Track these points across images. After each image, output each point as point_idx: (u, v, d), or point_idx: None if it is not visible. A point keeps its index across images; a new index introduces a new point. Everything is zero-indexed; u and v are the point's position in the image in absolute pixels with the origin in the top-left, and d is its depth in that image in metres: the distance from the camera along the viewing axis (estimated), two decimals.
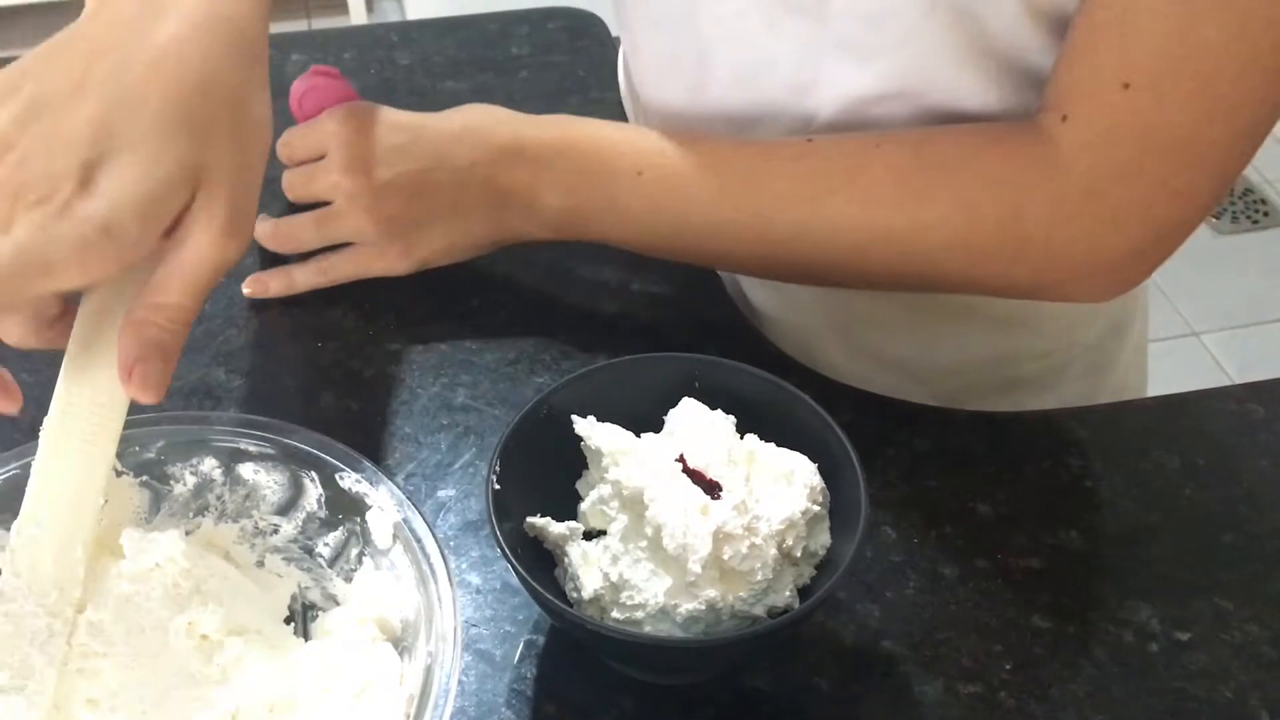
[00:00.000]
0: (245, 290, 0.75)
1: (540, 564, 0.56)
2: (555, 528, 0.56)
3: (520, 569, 0.51)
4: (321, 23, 2.65)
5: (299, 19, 2.70)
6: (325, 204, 0.73)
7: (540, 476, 0.57)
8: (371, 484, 0.55)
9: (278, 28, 1.08)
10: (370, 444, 0.68)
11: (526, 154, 0.70)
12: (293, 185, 0.75)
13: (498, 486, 0.54)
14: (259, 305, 0.76)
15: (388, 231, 0.72)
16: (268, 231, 0.75)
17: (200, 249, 0.51)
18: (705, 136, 0.69)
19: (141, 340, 0.51)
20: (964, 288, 0.66)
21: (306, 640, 0.56)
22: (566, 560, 0.55)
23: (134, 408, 0.69)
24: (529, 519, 0.56)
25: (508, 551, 0.52)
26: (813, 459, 0.56)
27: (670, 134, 0.69)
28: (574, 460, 0.58)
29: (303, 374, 0.72)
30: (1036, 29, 0.64)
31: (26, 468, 0.54)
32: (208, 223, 0.51)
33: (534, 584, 0.51)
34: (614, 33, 0.98)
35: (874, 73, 0.67)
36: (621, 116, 0.90)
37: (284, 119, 0.82)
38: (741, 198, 0.66)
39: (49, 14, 2.73)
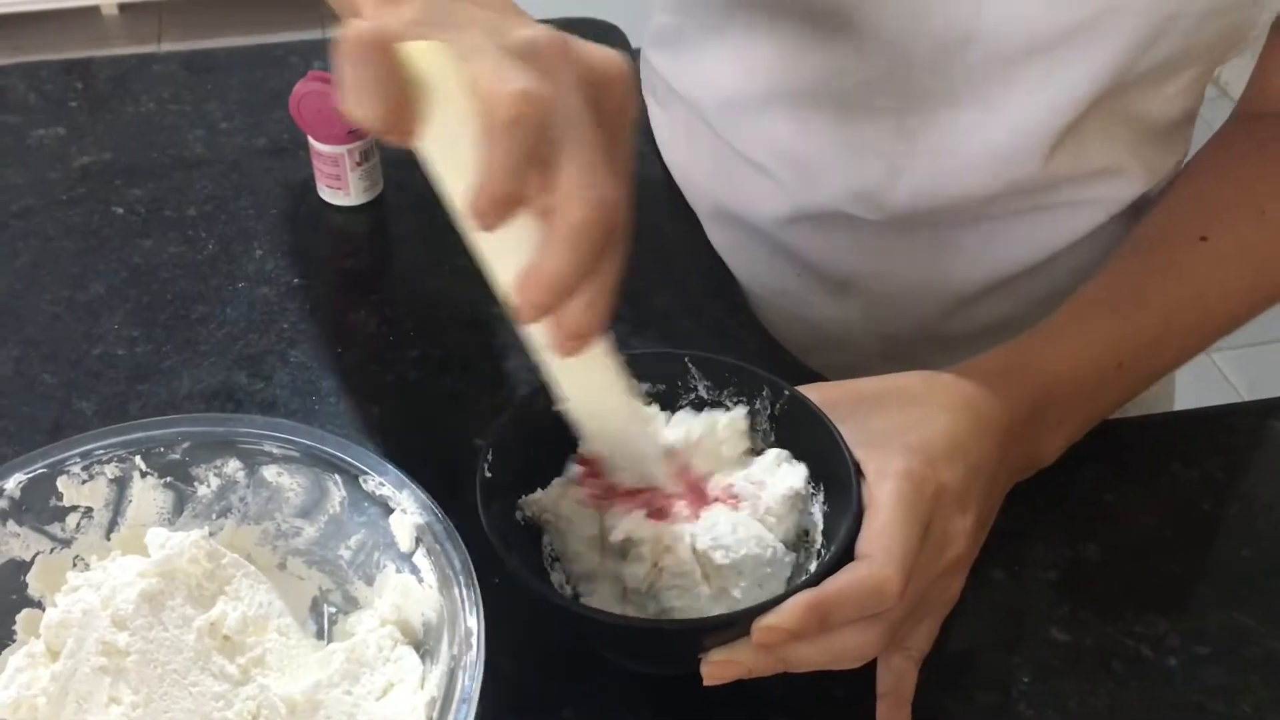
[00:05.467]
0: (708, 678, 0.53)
1: (531, 557, 0.57)
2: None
3: (501, 545, 0.52)
4: (326, 32, 2.66)
5: (314, 29, 2.71)
6: None
7: (534, 467, 0.57)
8: (395, 487, 0.55)
9: (294, 36, 1.09)
10: (390, 448, 0.69)
11: (1021, 429, 0.61)
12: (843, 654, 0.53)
13: (489, 475, 0.54)
14: (279, 310, 0.77)
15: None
16: (801, 613, 0.50)
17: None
18: (1130, 296, 0.68)
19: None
20: None
21: (327, 643, 0.57)
22: (551, 542, 0.57)
23: (159, 409, 0.70)
24: (521, 499, 0.57)
25: (490, 529, 0.52)
26: (813, 460, 0.57)
27: (1103, 305, 0.67)
28: (567, 452, 0.58)
29: (323, 378, 0.73)
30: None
31: (54, 468, 0.55)
32: None
33: (513, 561, 0.52)
34: (634, 44, 0.99)
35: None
36: (643, 126, 0.90)
37: (289, 123, 0.83)
38: (1190, 336, 0.69)
39: (54, 21, 2.75)
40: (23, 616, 0.55)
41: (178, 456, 0.57)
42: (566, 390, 0.52)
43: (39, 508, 0.55)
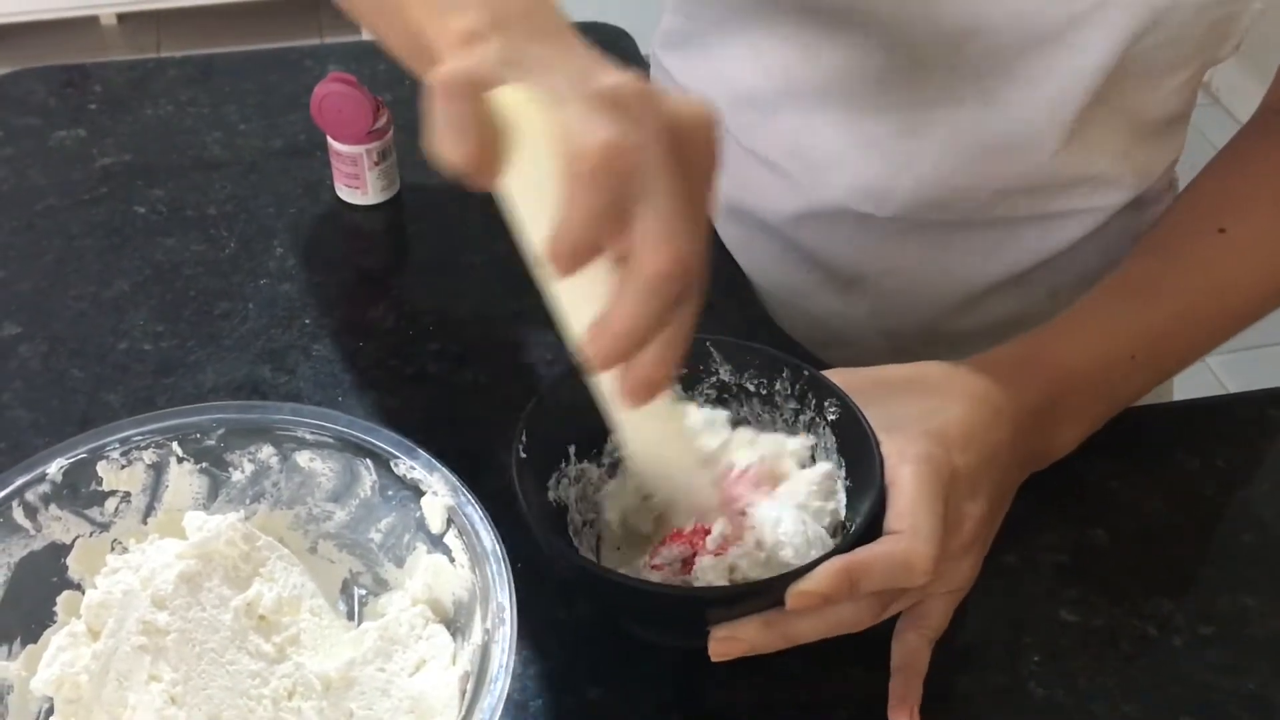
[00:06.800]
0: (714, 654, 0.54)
1: (562, 535, 0.59)
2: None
3: (534, 517, 0.54)
4: (334, 39, 2.68)
5: (312, 38, 2.73)
6: None
7: (562, 449, 0.59)
8: (426, 470, 0.56)
9: (295, 42, 1.12)
10: (411, 439, 0.70)
11: (1035, 420, 0.63)
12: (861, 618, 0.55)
13: (524, 455, 0.56)
14: (301, 306, 0.78)
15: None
16: (834, 577, 0.52)
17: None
18: (1152, 289, 0.69)
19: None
20: None
21: (358, 624, 0.58)
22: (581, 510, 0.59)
23: (184, 402, 0.71)
24: (551, 483, 0.59)
25: (527, 506, 0.54)
26: (836, 439, 0.59)
27: (1114, 302, 0.68)
28: (593, 436, 0.60)
29: (345, 372, 0.74)
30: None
31: (94, 453, 0.56)
32: None
33: (544, 527, 0.54)
34: (643, 49, 1.00)
35: None
36: None
37: (306, 124, 0.84)
38: (1206, 328, 0.70)
39: (53, 31, 2.76)
40: (63, 598, 0.56)
41: (213, 443, 0.58)
42: (630, 439, 0.53)
43: (79, 492, 0.56)
